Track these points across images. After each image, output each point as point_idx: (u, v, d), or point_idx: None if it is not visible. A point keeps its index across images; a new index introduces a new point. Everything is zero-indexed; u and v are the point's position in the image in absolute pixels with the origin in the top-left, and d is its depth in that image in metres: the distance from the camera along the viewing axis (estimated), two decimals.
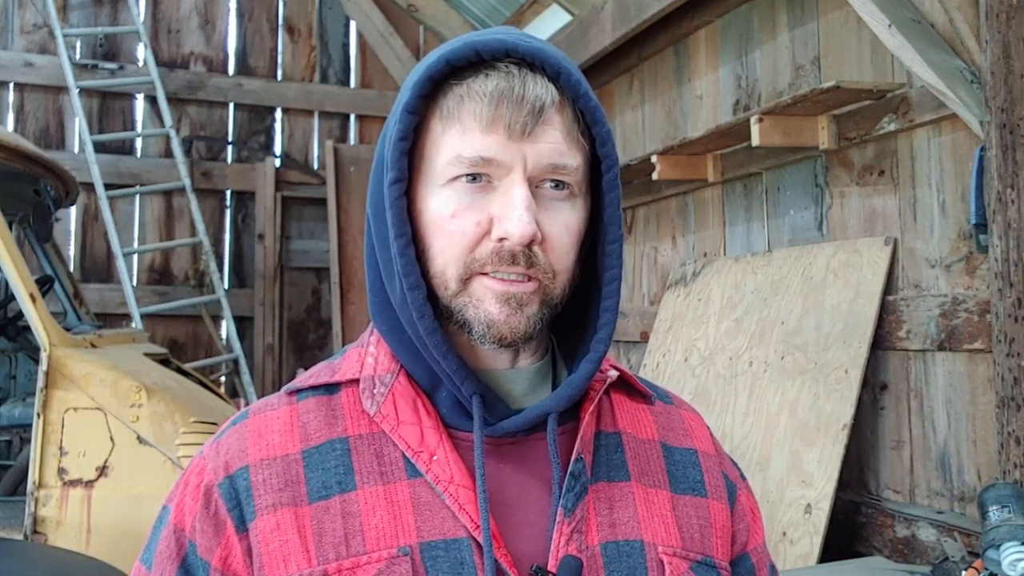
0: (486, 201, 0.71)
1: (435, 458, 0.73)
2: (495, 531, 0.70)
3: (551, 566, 0.71)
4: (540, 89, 0.71)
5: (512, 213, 0.69)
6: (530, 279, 0.72)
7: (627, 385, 0.85)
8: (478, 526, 0.70)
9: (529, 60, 0.71)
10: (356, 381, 0.78)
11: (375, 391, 0.76)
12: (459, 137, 0.71)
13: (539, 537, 0.72)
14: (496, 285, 0.71)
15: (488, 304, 0.71)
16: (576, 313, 0.80)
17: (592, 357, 0.76)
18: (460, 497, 0.71)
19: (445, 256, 0.72)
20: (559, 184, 0.73)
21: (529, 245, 0.71)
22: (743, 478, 0.89)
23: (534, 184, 0.72)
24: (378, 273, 0.78)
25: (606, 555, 0.73)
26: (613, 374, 0.82)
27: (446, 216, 0.72)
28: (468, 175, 0.71)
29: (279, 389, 0.86)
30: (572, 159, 0.72)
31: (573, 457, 0.75)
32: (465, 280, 0.72)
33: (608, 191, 0.76)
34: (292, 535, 0.70)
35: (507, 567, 0.69)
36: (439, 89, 0.73)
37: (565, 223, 0.73)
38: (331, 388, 0.79)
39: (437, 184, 0.72)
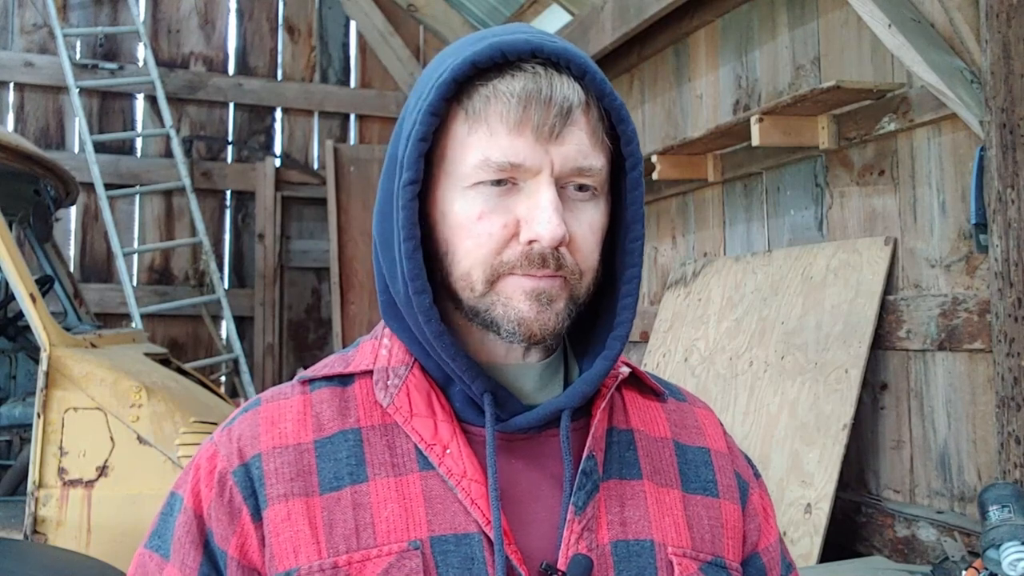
0: (511, 203, 0.71)
1: (448, 451, 0.72)
2: (506, 527, 0.70)
3: (561, 564, 0.70)
4: (567, 89, 0.70)
5: (542, 215, 0.69)
6: (558, 276, 0.72)
7: (639, 382, 0.85)
8: (489, 522, 0.70)
9: (555, 60, 0.71)
10: (369, 373, 0.78)
11: (389, 383, 0.76)
12: (486, 140, 0.70)
13: (549, 534, 0.72)
14: (526, 282, 0.71)
15: (518, 301, 0.71)
16: (588, 309, 0.80)
17: (608, 355, 0.76)
18: (472, 492, 0.71)
19: (472, 258, 0.71)
20: (583, 186, 0.72)
21: (557, 247, 0.70)
22: (757, 476, 0.88)
23: (559, 185, 0.71)
24: (384, 274, 0.78)
25: (616, 554, 0.73)
26: (625, 371, 0.82)
27: (472, 218, 0.71)
28: (494, 180, 0.70)
29: None
30: (597, 160, 0.72)
31: (585, 454, 0.74)
32: (492, 282, 0.71)
33: (631, 190, 0.76)
34: (303, 525, 0.70)
35: (517, 564, 0.69)
36: (462, 89, 0.71)
37: (590, 223, 0.73)
38: (344, 379, 0.78)
39: (462, 186, 0.71)
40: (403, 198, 0.71)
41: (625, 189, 0.76)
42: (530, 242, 0.70)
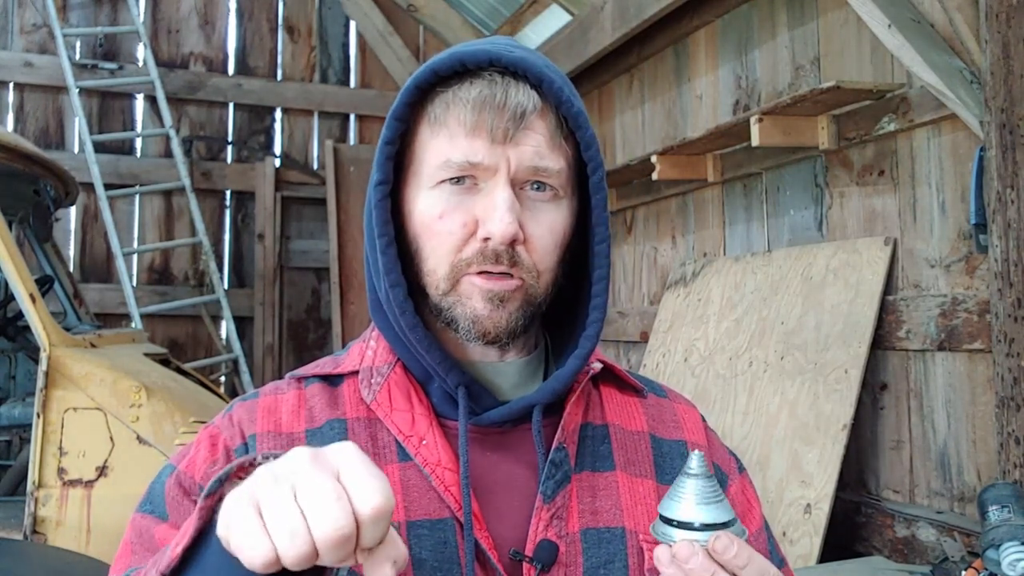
0: (471, 203, 0.75)
1: (424, 442, 0.76)
2: (477, 513, 0.73)
3: (528, 550, 0.73)
4: (522, 96, 0.74)
5: (495, 214, 0.73)
6: (513, 277, 0.75)
7: (618, 379, 0.88)
8: (461, 507, 0.73)
9: (512, 69, 0.75)
10: (357, 373, 0.82)
11: (372, 380, 0.80)
12: (447, 142, 0.74)
13: (521, 523, 0.75)
14: (482, 282, 0.74)
15: (475, 301, 0.75)
16: (571, 312, 0.83)
17: (579, 353, 0.79)
18: (445, 479, 0.74)
19: (436, 256, 0.76)
20: (541, 186, 0.76)
21: (512, 245, 0.74)
22: (741, 470, 0.90)
23: (518, 186, 0.75)
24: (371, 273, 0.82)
25: (585, 541, 0.75)
26: (596, 366, 0.84)
27: (434, 217, 0.75)
28: (453, 178, 0.74)
29: None
30: (554, 162, 0.75)
31: (554, 446, 0.77)
32: (454, 280, 0.75)
33: (594, 193, 0.79)
34: None
35: (487, 548, 0.72)
36: (427, 97, 0.76)
37: (549, 224, 0.76)
38: (334, 379, 0.83)
39: (426, 187, 0.76)
40: (374, 198, 0.76)
41: (589, 193, 0.79)
42: (485, 239, 0.73)
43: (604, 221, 0.79)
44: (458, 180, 0.74)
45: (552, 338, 0.86)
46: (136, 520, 0.78)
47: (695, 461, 0.66)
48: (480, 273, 0.74)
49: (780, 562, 0.88)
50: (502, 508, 0.75)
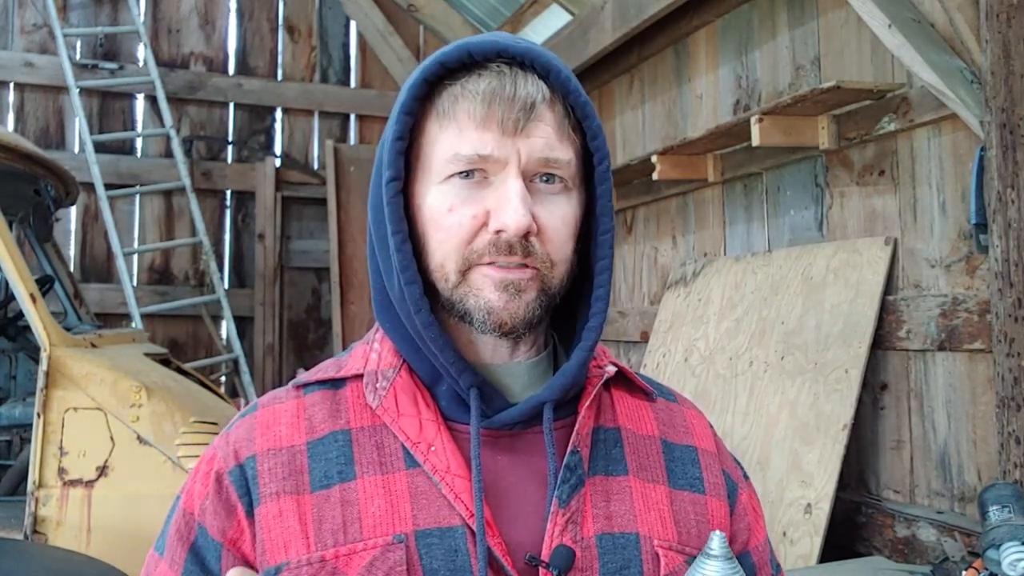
0: (482, 195, 0.73)
1: (432, 449, 0.74)
2: (490, 519, 0.72)
3: (544, 555, 0.72)
4: (531, 87, 0.73)
5: (508, 205, 0.72)
6: (528, 267, 0.74)
7: (629, 382, 0.86)
8: (473, 514, 0.71)
9: (520, 59, 0.74)
10: (360, 376, 0.80)
11: (378, 385, 0.78)
12: (456, 136, 0.73)
13: (535, 527, 0.74)
14: (494, 273, 0.73)
15: (487, 292, 0.73)
16: (577, 308, 0.82)
17: (584, 345, 0.78)
18: (456, 486, 0.73)
19: (444, 249, 0.74)
20: (551, 177, 0.75)
21: (526, 236, 0.72)
22: (746, 478, 0.89)
23: (528, 178, 0.74)
24: (380, 272, 0.80)
25: (601, 546, 0.74)
26: (611, 370, 0.83)
27: (443, 211, 0.74)
28: (463, 172, 0.73)
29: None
30: (564, 153, 0.75)
31: (569, 449, 0.76)
32: (464, 271, 0.74)
33: (600, 183, 0.78)
34: (293, 522, 0.72)
35: (500, 555, 0.71)
36: (434, 91, 0.75)
37: (561, 215, 0.75)
38: (337, 383, 0.81)
39: (435, 182, 0.75)
40: (387, 194, 0.74)
41: (595, 183, 0.79)
42: (498, 231, 0.72)
43: (609, 211, 0.78)
44: (468, 174, 0.73)
45: (561, 337, 0.85)
46: (148, 556, 0.79)
47: (716, 542, 0.65)
48: (491, 264, 0.73)
49: (776, 568, 0.88)
50: (513, 513, 0.74)
